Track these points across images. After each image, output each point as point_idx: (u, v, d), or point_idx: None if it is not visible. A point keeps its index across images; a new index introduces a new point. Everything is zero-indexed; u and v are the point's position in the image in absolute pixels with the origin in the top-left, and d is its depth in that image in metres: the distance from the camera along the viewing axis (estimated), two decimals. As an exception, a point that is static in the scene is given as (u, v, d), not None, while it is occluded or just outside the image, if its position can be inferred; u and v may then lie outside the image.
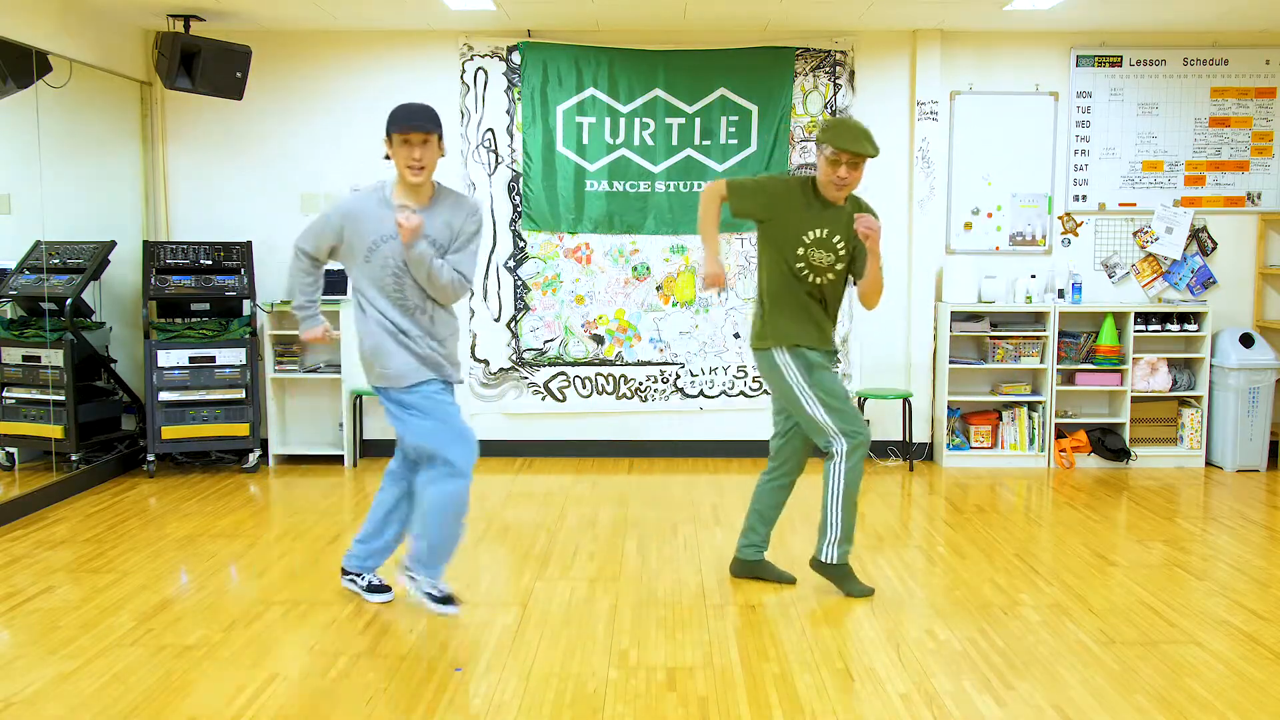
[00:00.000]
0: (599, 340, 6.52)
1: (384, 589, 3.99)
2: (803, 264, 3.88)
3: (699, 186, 6.38)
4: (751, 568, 4.24)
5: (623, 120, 6.35)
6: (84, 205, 6.08)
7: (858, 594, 4.01)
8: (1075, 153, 6.47)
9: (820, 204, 3.87)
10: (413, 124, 3.51)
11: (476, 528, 5.01)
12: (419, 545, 3.71)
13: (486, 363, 6.55)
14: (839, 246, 3.87)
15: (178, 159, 6.49)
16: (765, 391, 6.54)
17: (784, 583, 4.18)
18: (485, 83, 6.39)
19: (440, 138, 3.61)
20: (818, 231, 3.85)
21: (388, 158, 3.63)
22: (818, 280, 3.89)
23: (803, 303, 3.91)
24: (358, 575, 4.01)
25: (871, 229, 3.74)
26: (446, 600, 3.74)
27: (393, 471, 3.95)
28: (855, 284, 4.01)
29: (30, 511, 5.23)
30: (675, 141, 6.37)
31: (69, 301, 5.62)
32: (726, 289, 3.96)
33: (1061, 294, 6.42)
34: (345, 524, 5.08)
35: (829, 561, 3.98)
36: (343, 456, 6.45)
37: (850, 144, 3.71)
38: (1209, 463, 6.44)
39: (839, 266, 3.91)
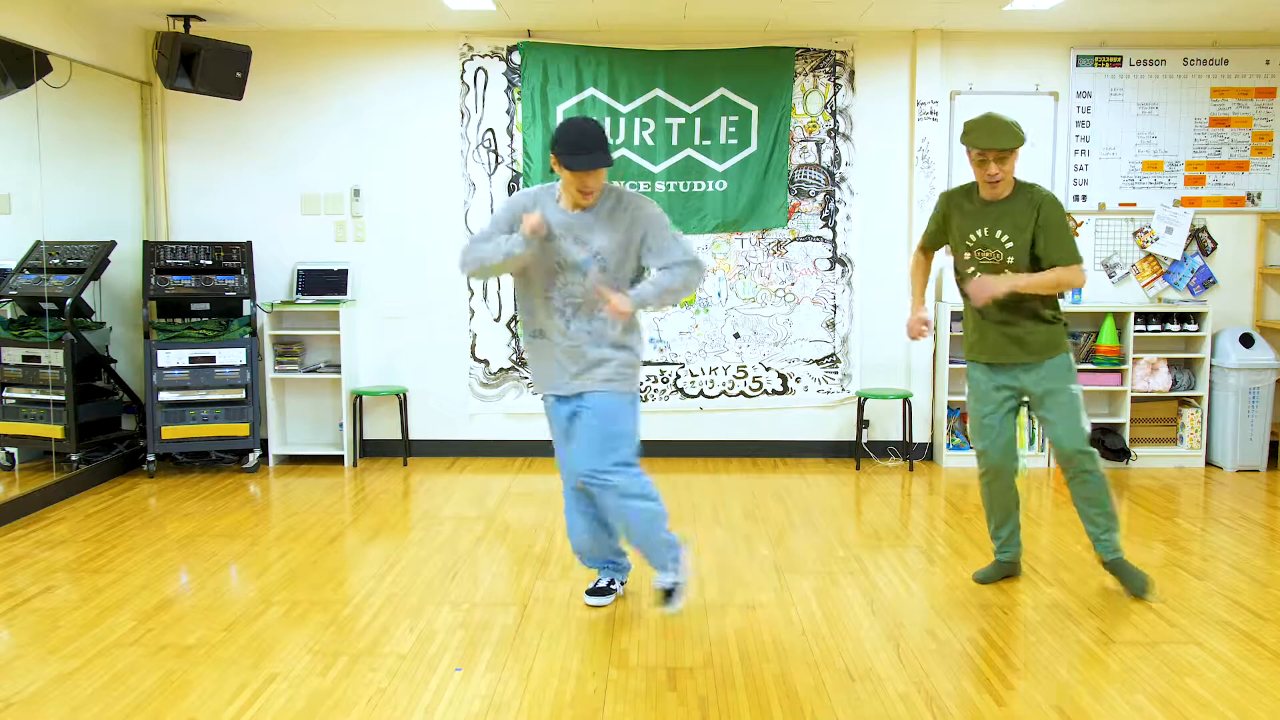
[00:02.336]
0: (599, 340, 6.51)
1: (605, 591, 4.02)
2: (972, 267, 3.92)
3: (699, 186, 6.39)
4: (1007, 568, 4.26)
5: (623, 120, 6.35)
6: (84, 205, 6.08)
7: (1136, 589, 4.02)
8: (1075, 153, 6.47)
9: (981, 204, 3.90)
10: (588, 164, 3.46)
11: (476, 528, 5.01)
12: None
13: (487, 363, 6.55)
14: (1005, 241, 3.85)
15: (178, 159, 6.48)
16: (765, 391, 6.55)
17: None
18: (485, 83, 6.39)
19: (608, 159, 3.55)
20: (981, 232, 3.88)
21: (553, 170, 3.60)
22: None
23: (973, 314, 4.01)
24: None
25: (983, 290, 3.80)
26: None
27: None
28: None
29: (30, 511, 5.23)
30: (675, 141, 6.37)
31: (69, 301, 5.62)
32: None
33: (1062, 294, 6.41)
34: (345, 524, 5.08)
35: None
36: (343, 456, 6.45)
37: (988, 141, 3.74)
38: (1209, 463, 6.44)
39: (1011, 260, 3.87)
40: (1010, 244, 3.85)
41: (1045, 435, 4.05)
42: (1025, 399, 4.02)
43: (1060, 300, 4.01)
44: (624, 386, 3.71)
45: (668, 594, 3.75)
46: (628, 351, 3.72)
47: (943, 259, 6.47)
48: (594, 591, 3.97)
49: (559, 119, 6.35)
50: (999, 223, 3.86)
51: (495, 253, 3.59)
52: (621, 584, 4.07)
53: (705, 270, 3.74)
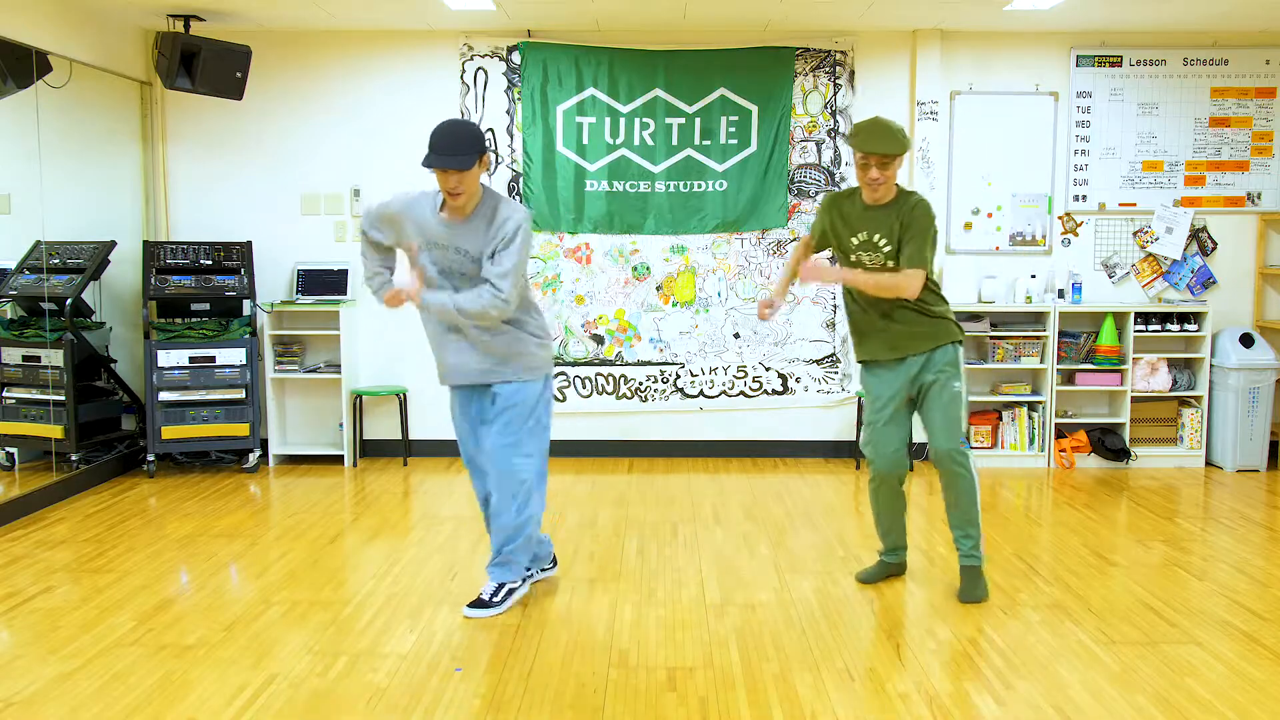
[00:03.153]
0: (599, 340, 6.52)
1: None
2: (857, 269, 3.91)
3: (699, 186, 6.38)
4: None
5: (623, 120, 6.35)
6: (84, 205, 6.08)
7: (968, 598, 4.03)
8: (1075, 153, 6.47)
9: (863, 208, 3.90)
10: (440, 163, 3.52)
11: (476, 528, 5.01)
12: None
13: (486, 363, 6.55)
14: (883, 245, 3.85)
15: (178, 159, 6.49)
16: (765, 391, 6.55)
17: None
18: (485, 83, 6.39)
19: (479, 159, 3.57)
20: (862, 235, 3.88)
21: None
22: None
23: (854, 315, 4.01)
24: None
25: (809, 275, 3.88)
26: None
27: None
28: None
29: (30, 511, 5.23)
30: (675, 141, 6.37)
31: (69, 301, 5.62)
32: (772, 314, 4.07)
33: (1061, 294, 6.42)
34: (345, 524, 5.08)
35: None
36: (343, 456, 6.45)
37: (871, 145, 3.74)
38: (1209, 463, 6.44)
39: (891, 265, 3.87)
40: (888, 248, 3.85)
41: (924, 429, 4.02)
42: (912, 396, 4.00)
43: (940, 293, 3.98)
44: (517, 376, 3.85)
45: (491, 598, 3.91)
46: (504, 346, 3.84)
47: (941, 258, 6.47)
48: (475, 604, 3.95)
49: (559, 119, 6.35)
50: (878, 226, 3.86)
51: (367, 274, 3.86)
52: (543, 570, 4.18)
53: (506, 308, 3.63)
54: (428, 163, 3.54)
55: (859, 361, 4.08)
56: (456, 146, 3.53)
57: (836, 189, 6.42)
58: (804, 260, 4.14)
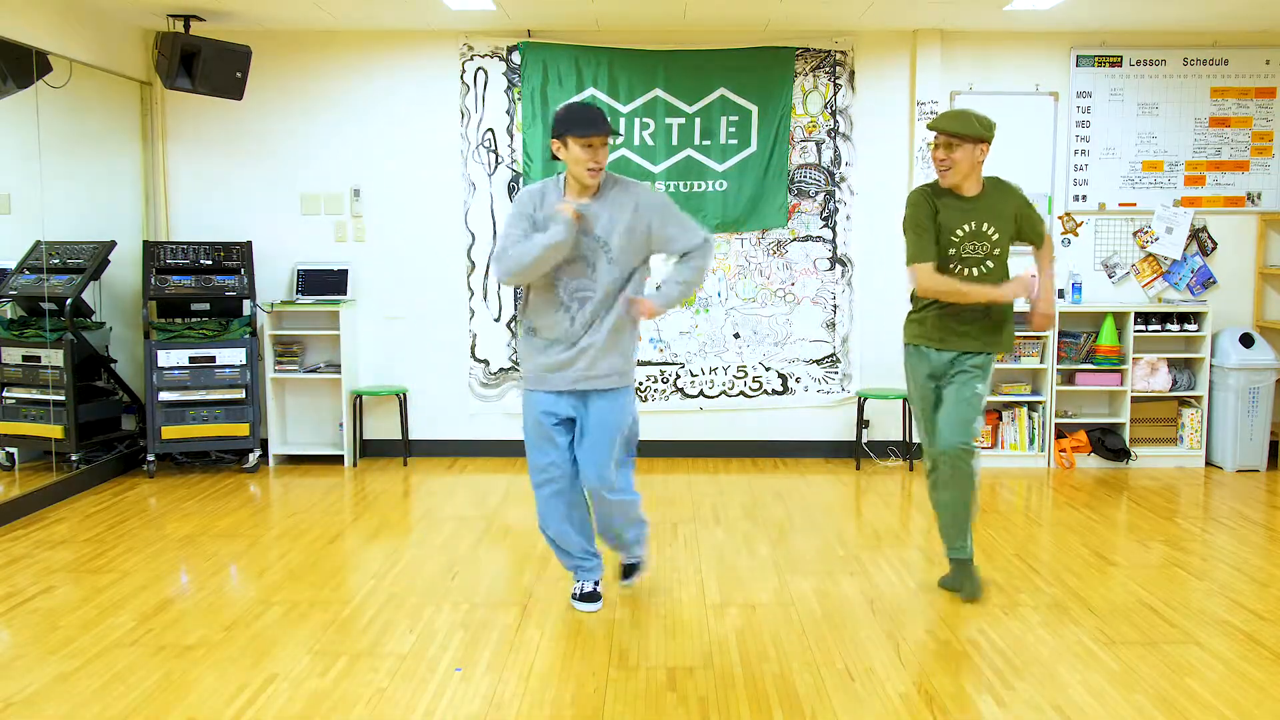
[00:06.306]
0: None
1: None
2: (956, 264, 3.88)
3: (699, 186, 6.38)
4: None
5: (623, 120, 6.35)
6: (84, 205, 6.08)
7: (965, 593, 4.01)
8: (1075, 153, 6.47)
9: (959, 199, 3.88)
10: (600, 129, 3.51)
11: (476, 527, 5.01)
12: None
13: (486, 363, 6.55)
14: (992, 234, 3.86)
15: (178, 159, 6.49)
16: (765, 391, 6.55)
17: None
18: (485, 83, 6.39)
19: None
20: (970, 225, 3.86)
21: (555, 158, 3.62)
22: (973, 272, 3.88)
23: (951, 306, 3.92)
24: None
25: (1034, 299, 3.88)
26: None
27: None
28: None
29: (30, 511, 5.23)
30: (675, 141, 6.37)
31: (69, 301, 5.62)
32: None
33: (1061, 294, 6.42)
34: (345, 524, 5.08)
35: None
36: (343, 456, 6.45)
37: (938, 123, 3.79)
38: (1209, 463, 6.44)
39: (996, 253, 3.88)
40: (996, 236, 3.87)
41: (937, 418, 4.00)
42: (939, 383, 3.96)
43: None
44: (625, 383, 3.74)
45: (633, 569, 4.06)
46: (627, 349, 3.73)
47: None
48: (586, 597, 3.94)
49: (559, 119, 6.34)
50: (985, 215, 3.86)
51: (532, 248, 3.51)
52: (598, 581, 4.02)
53: (713, 244, 3.80)
54: (594, 131, 3.49)
55: (926, 346, 3.94)
56: (605, 116, 3.57)
57: (836, 189, 6.43)
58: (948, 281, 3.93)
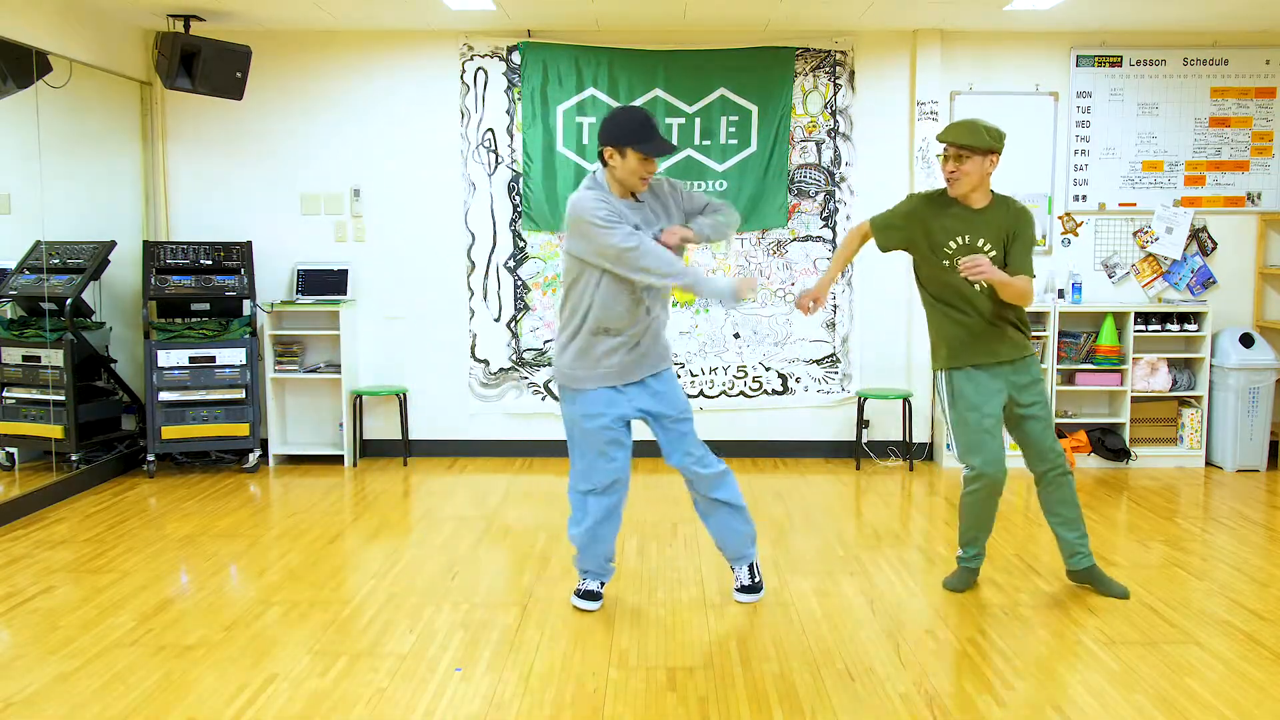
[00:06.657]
0: (599, 340, 6.51)
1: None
2: (949, 274, 3.85)
3: (699, 186, 6.38)
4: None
5: (623, 120, 6.34)
6: (84, 205, 6.08)
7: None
8: (1075, 153, 6.47)
9: (961, 210, 3.85)
10: (665, 151, 3.59)
11: (476, 527, 5.01)
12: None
13: (486, 363, 6.55)
14: (988, 250, 3.81)
15: (178, 159, 6.49)
16: (765, 391, 6.55)
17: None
18: (485, 83, 6.39)
19: None
20: (963, 238, 3.83)
21: (605, 163, 3.62)
22: (975, 287, 3.86)
23: (956, 320, 3.90)
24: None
25: (977, 266, 3.62)
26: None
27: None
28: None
29: (30, 511, 5.23)
30: (675, 141, 6.37)
31: (69, 301, 5.62)
32: (813, 310, 3.99)
33: (1061, 294, 6.42)
34: (345, 524, 5.08)
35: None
36: (343, 456, 6.45)
37: (947, 134, 3.77)
38: (1209, 463, 6.44)
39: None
40: (993, 253, 3.82)
41: (1021, 433, 3.98)
42: (1005, 404, 3.94)
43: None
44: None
45: (754, 587, 4.02)
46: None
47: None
48: (589, 595, 3.94)
49: (559, 119, 6.35)
50: (981, 230, 3.82)
51: (678, 264, 3.60)
52: (603, 583, 4.02)
53: (735, 215, 3.94)
54: (659, 151, 3.55)
55: (952, 368, 3.94)
56: (667, 139, 3.65)
57: (836, 189, 6.43)
58: (856, 252, 4.11)
